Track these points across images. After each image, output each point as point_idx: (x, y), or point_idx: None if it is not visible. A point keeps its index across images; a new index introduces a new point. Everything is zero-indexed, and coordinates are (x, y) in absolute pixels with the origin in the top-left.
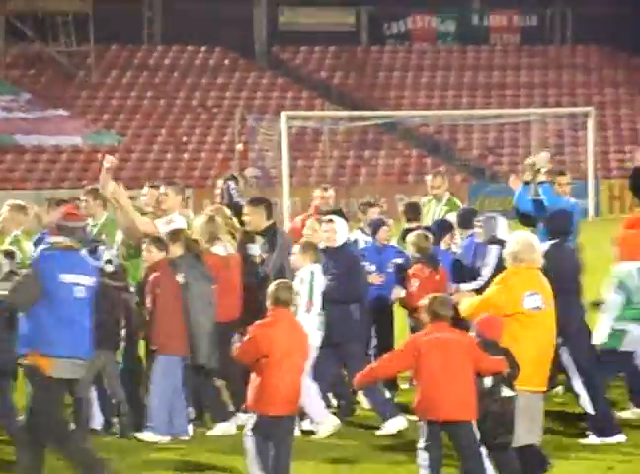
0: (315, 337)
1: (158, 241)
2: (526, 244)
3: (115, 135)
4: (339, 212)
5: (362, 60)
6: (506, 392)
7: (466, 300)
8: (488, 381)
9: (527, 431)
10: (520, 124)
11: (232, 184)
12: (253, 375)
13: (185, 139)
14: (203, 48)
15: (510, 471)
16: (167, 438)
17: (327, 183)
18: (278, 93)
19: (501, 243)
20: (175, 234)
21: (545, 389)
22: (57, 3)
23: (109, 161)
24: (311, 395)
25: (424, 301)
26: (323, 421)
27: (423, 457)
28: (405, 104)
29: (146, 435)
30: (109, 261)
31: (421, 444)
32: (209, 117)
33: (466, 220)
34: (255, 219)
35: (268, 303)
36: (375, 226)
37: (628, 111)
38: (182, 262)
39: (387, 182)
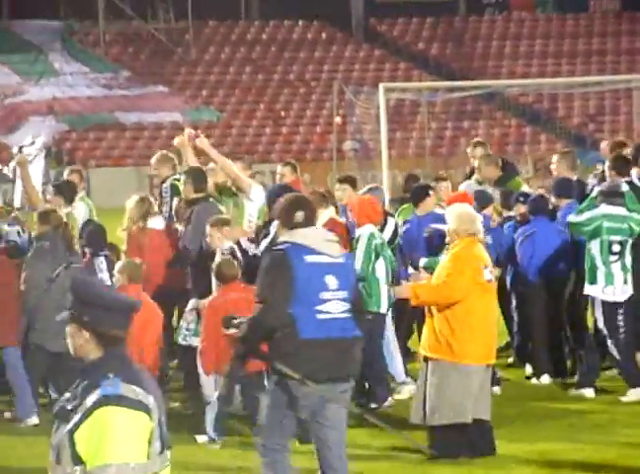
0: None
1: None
2: (468, 216)
3: (214, 111)
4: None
5: (460, 30)
6: None
7: (417, 287)
8: None
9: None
10: (620, 91)
11: (167, 187)
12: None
13: (283, 114)
14: (300, 22)
15: None
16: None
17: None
18: (375, 65)
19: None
20: (44, 215)
21: (493, 361)
22: None
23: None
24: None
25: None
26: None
27: None
28: (503, 73)
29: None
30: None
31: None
32: (307, 91)
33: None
34: (184, 189)
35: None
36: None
37: None
38: (44, 241)
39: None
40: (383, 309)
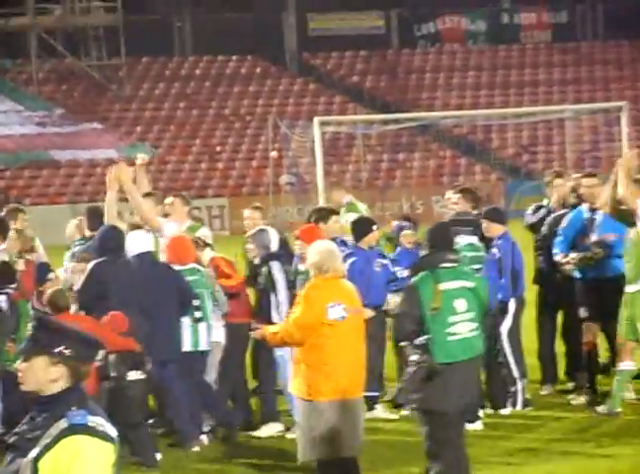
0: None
1: None
2: (329, 253)
3: (149, 147)
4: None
5: (394, 63)
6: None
7: (272, 328)
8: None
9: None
10: (553, 122)
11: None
12: None
13: (219, 149)
14: (234, 57)
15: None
16: None
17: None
18: (310, 99)
19: (276, 257)
20: None
21: (359, 395)
22: (87, 17)
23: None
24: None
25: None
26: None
27: None
28: (437, 105)
29: None
30: None
31: None
32: (242, 125)
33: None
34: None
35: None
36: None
37: None
38: None
39: (422, 184)
40: None
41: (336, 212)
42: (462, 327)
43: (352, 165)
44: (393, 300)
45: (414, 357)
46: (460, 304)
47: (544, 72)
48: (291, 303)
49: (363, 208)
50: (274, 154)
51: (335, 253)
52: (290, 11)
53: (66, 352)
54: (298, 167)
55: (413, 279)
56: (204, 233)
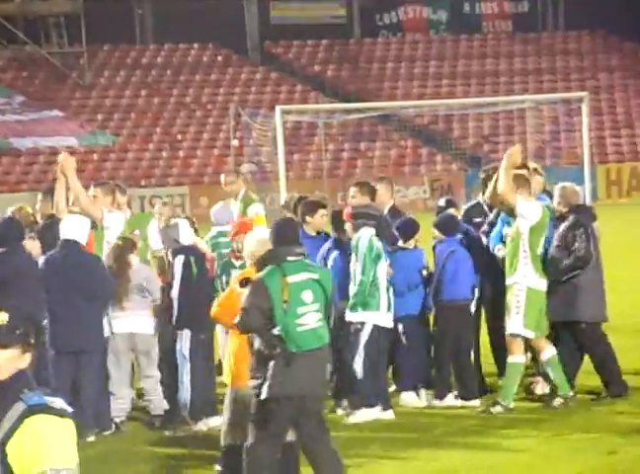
0: None
1: None
2: (260, 241)
3: (110, 135)
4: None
5: (355, 52)
6: None
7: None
8: None
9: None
10: (514, 112)
11: None
12: None
13: (180, 137)
14: (196, 45)
15: None
16: None
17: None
18: (271, 88)
19: (187, 250)
20: None
21: None
22: (48, 5)
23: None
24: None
25: None
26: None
27: None
28: (399, 95)
29: None
30: None
31: None
32: (204, 114)
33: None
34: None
35: None
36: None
37: (622, 95)
38: None
39: (383, 173)
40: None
41: (323, 206)
42: (310, 317)
43: (313, 154)
44: None
45: (261, 347)
46: (307, 295)
47: (505, 62)
48: (187, 299)
49: (257, 199)
50: (235, 143)
51: (267, 240)
52: None
53: (32, 340)
54: (260, 156)
55: (260, 274)
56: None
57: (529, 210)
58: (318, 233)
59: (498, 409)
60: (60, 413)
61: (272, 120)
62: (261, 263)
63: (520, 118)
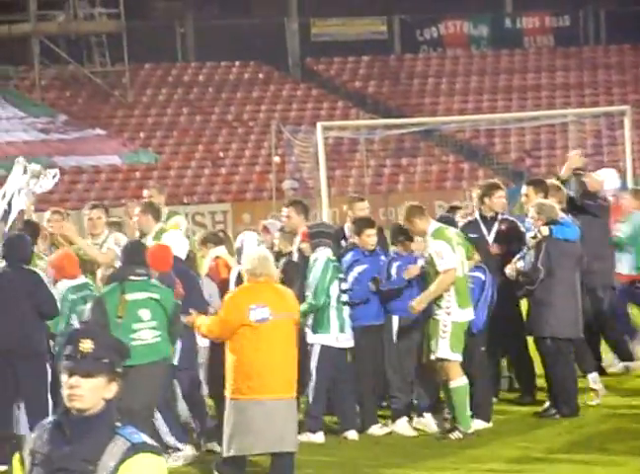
0: None
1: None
2: (263, 259)
3: (152, 153)
4: None
5: (396, 68)
6: None
7: (201, 319)
8: None
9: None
10: (556, 126)
11: None
12: None
13: (222, 154)
14: (237, 63)
15: None
16: None
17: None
18: (312, 104)
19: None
20: None
21: (286, 396)
22: (90, 24)
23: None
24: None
25: None
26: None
27: None
28: (440, 110)
29: None
30: None
31: None
32: (246, 131)
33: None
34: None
35: None
36: None
37: None
38: None
39: (425, 189)
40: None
41: (370, 225)
42: (146, 333)
43: (354, 170)
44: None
45: None
46: (145, 313)
47: (547, 76)
48: None
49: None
50: (276, 159)
51: (269, 259)
52: (293, 16)
53: (119, 369)
54: (301, 172)
55: (102, 291)
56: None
57: (445, 251)
58: (373, 250)
59: (456, 434)
60: (158, 451)
61: (313, 137)
62: (108, 280)
63: (562, 131)
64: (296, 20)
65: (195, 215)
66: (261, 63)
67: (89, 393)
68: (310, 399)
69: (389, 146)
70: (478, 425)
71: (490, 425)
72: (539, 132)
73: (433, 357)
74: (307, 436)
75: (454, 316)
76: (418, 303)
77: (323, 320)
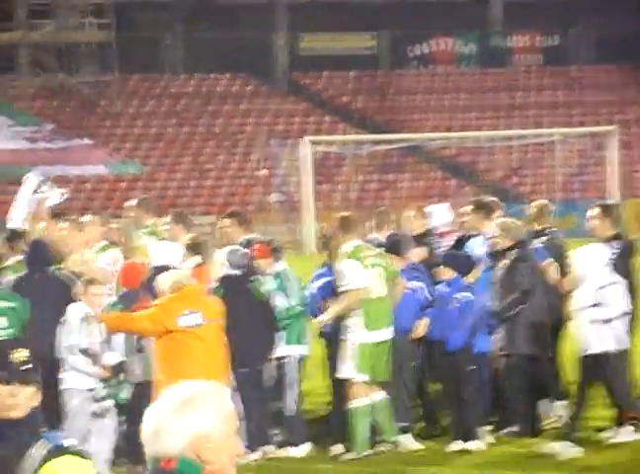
0: None
1: None
2: (180, 275)
3: (138, 164)
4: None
5: (384, 83)
6: None
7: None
8: None
9: None
10: (543, 145)
11: None
12: None
13: (207, 166)
14: (225, 75)
15: None
16: None
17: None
18: (300, 118)
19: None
20: None
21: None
22: (80, 34)
23: None
24: None
25: None
26: None
27: None
28: (428, 126)
29: None
30: None
31: None
32: (232, 143)
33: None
34: None
35: None
36: None
37: None
38: None
39: (413, 204)
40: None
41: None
42: None
43: (341, 185)
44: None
45: None
46: (2, 321)
47: (535, 95)
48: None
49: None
50: (264, 172)
51: (186, 274)
52: (282, 30)
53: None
54: (288, 186)
55: None
56: (114, 255)
57: (352, 272)
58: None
59: (350, 455)
60: (83, 454)
61: (300, 151)
62: None
63: (549, 150)
64: (285, 33)
65: (109, 230)
66: (249, 76)
67: (24, 401)
68: (291, 412)
69: (376, 161)
70: (471, 446)
71: (483, 447)
72: (526, 151)
73: (340, 376)
74: (294, 451)
75: (360, 337)
76: (320, 320)
77: (296, 330)
